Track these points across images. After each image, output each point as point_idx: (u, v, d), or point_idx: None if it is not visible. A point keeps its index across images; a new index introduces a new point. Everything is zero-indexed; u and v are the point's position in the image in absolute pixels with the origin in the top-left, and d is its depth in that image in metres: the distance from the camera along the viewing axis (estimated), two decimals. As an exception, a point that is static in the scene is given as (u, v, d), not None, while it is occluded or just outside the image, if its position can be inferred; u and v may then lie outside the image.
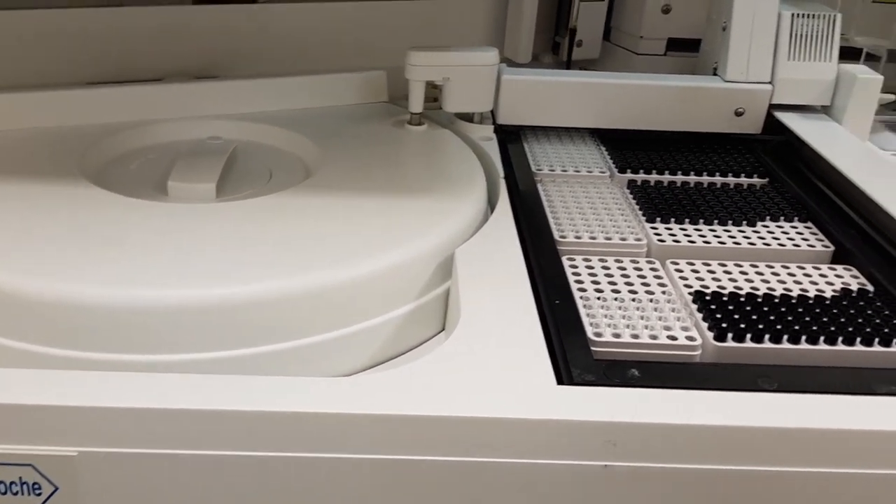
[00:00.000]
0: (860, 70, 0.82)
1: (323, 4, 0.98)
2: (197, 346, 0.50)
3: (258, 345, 0.51)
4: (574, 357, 0.47)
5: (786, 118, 0.81)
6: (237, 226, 0.58)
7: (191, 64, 0.92)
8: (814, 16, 0.82)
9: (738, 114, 0.81)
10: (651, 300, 0.54)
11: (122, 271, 0.52)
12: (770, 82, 0.82)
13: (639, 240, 0.62)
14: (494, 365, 0.46)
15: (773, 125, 0.82)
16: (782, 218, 0.67)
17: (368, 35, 0.96)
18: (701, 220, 0.65)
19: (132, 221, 0.58)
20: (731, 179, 0.74)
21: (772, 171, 0.76)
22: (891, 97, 0.92)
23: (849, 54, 0.88)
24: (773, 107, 0.82)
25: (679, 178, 0.74)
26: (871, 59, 0.86)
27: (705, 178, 0.74)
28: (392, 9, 0.97)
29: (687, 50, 0.98)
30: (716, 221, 0.65)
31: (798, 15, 0.81)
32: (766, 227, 0.65)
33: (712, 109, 0.81)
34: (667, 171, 0.75)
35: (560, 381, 0.45)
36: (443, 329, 0.59)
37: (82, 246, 0.55)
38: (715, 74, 0.84)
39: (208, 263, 0.53)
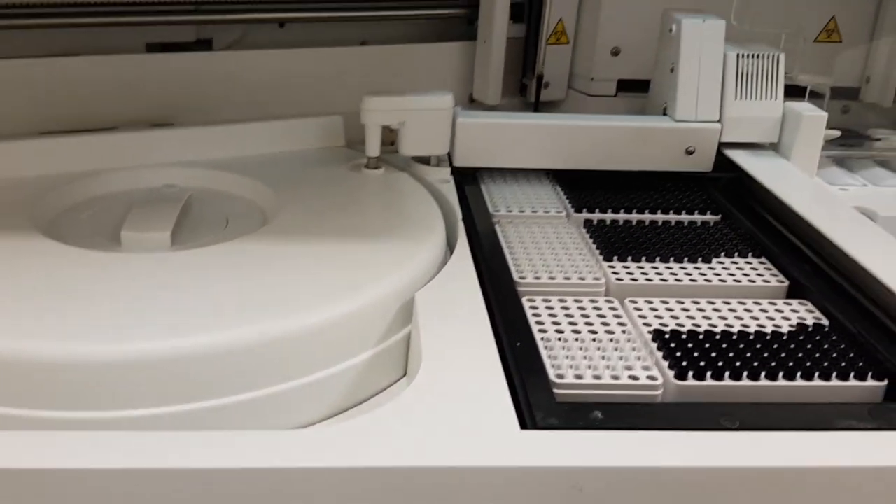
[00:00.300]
0: (805, 108, 0.84)
1: (285, 51, 0.99)
2: (150, 401, 0.48)
3: (213, 398, 0.50)
4: (536, 400, 0.46)
5: (735, 156, 0.83)
6: (192, 275, 0.57)
7: (147, 112, 0.91)
8: (758, 56, 0.83)
9: (689, 152, 0.83)
10: (611, 340, 0.54)
11: (68, 325, 0.50)
12: (719, 121, 0.83)
13: (597, 279, 0.62)
14: (457, 411, 0.45)
15: (723, 163, 0.84)
16: (736, 254, 0.67)
17: (334, 80, 0.96)
18: (657, 258, 0.66)
19: (82, 273, 0.57)
20: (685, 217, 0.75)
21: (724, 207, 0.77)
22: (836, 133, 0.95)
23: (794, 92, 0.91)
24: (723, 145, 0.84)
25: (634, 216, 0.75)
26: (816, 97, 0.89)
27: (660, 216, 0.75)
28: (363, 54, 0.97)
29: (637, 91, 1.00)
30: (672, 259, 0.66)
31: (743, 55, 0.83)
32: (722, 263, 0.66)
33: (663, 148, 0.83)
34: (622, 210, 0.75)
35: (523, 426, 0.44)
36: (405, 374, 0.58)
37: (29, 300, 0.53)
38: (665, 114, 0.86)
39: (160, 315, 0.52)
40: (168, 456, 0.40)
